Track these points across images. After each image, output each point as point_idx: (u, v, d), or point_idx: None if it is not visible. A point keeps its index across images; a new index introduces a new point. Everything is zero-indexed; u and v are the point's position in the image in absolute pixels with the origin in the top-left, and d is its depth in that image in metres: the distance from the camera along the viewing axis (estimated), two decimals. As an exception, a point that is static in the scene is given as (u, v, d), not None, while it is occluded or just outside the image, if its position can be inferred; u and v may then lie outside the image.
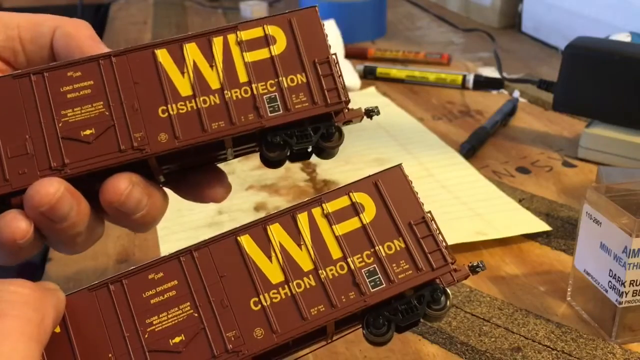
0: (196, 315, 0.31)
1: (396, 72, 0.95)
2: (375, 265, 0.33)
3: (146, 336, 0.30)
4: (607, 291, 0.45)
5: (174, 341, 0.30)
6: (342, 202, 0.34)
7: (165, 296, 0.31)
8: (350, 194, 0.34)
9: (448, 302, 0.33)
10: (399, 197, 0.34)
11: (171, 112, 0.33)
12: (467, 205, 0.62)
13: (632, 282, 0.43)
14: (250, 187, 0.66)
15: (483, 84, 0.90)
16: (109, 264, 0.56)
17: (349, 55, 1.03)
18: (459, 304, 0.49)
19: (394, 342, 0.33)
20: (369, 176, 0.34)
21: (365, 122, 0.37)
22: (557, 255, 0.55)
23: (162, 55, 0.34)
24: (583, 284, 0.48)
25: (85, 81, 0.33)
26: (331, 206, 0.34)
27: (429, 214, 0.34)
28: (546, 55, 1.04)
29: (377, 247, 0.33)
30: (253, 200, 0.64)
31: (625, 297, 0.44)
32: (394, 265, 0.33)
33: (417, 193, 0.34)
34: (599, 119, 0.71)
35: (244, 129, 0.34)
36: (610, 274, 0.44)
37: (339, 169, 0.69)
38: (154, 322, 0.30)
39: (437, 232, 0.34)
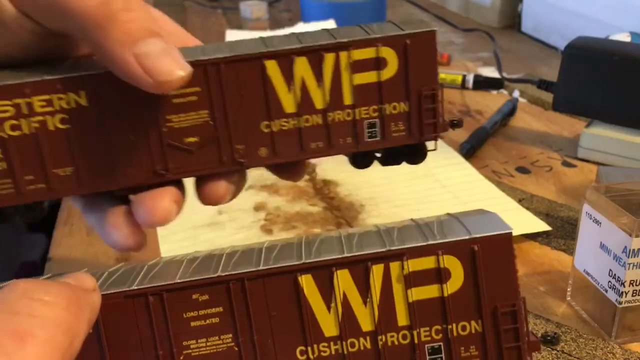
0: (236, 349, 0.29)
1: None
2: (442, 343, 0.29)
3: (181, 358, 0.28)
4: (607, 291, 0.45)
5: None
6: (427, 262, 0.29)
7: (207, 322, 0.29)
8: (439, 256, 0.29)
9: None
10: (495, 271, 0.29)
11: (273, 129, 0.33)
12: (467, 205, 0.62)
13: (631, 282, 0.43)
14: (250, 187, 0.66)
15: (483, 84, 0.90)
16: (109, 263, 0.56)
17: (349, 55, 1.03)
18: (459, 304, 0.49)
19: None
20: (467, 239, 0.29)
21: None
22: (557, 255, 0.55)
23: (271, 67, 0.32)
24: (583, 283, 0.48)
25: (192, 87, 0.32)
26: (412, 265, 0.29)
27: (522, 301, 0.29)
28: (546, 55, 1.04)
29: (450, 326, 0.29)
30: (253, 200, 0.64)
31: (625, 297, 0.44)
32: (463, 348, 0.29)
33: (517, 271, 0.29)
34: (598, 119, 0.71)
35: (340, 152, 0.34)
36: (610, 274, 0.44)
37: (339, 168, 0.68)
38: (191, 346, 0.28)
39: (524, 323, 0.29)
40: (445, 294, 0.29)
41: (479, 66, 1.00)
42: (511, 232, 0.29)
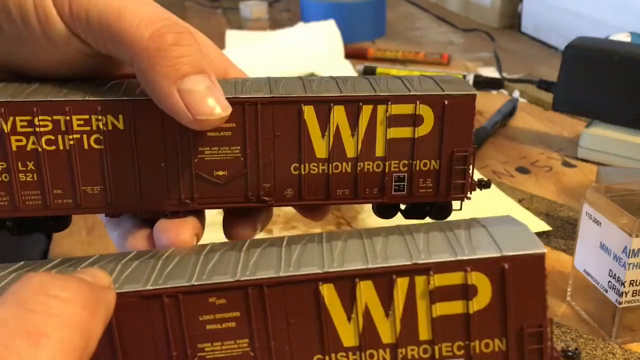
0: (252, 354, 0.28)
1: (396, 72, 0.95)
2: (463, 359, 0.29)
3: None
4: (607, 291, 0.45)
5: None
6: (453, 278, 0.28)
7: (224, 326, 0.28)
8: (467, 272, 0.28)
9: None
10: (524, 291, 0.28)
11: (302, 172, 0.33)
12: (467, 205, 0.62)
13: (631, 282, 0.43)
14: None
15: (483, 84, 0.90)
16: (109, 263, 0.56)
17: (349, 55, 1.03)
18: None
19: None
20: (498, 257, 0.28)
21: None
22: (557, 255, 0.55)
23: (308, 112, 0.32)
24: (583, 284, 0.48)
25: (228, 123, 0.32)
26: (439, 280, 0.28)
27: (549, 321, 0.29)
28: (546, 55, 1.04)
29: (473, 343, 0.28)
30: (253, 200, 0.64)
31: (625, 297, 0.44)
32: None
33: (547, 292, 0.28)
34: (598, 119, 0.71)
35: (365, 201, 0.34)
36: (610, 274, 0.44)
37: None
38: (206, 349, 0.28)
39: (549, 344, 0.29)
40: (471, 311, 0.28)
41: (479, 66, 1.00)
42: (544, 253, 0.28)
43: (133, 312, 0.28)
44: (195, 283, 0.28)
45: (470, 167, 0.34)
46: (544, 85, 0.76)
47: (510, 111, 0.80)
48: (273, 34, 1.08)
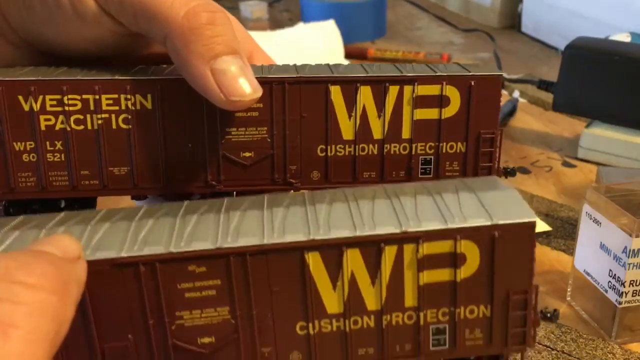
0: (233, 322, 0.27)
1: (396, 72, 0.95)
2: (447, 325, 0.28)
3: (173, 328, 0.27)
4: (606, 291, 0.45)
5: (202, 341, 0.27)
6: (442, 246, 0.27)
7: (203, 294, 0.27)
8: (457, 240, 0.27)
9: None
10: (511, 258, 0.28)
11: (329, 153, 0.33)
12: (467, 205, 0.62)
13: (631, 282, 0.43)
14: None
15: (483, 84, 0.90)
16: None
17: (349, 56, 1.03)
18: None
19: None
20: (489, 225, 0.27)
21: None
22: (556, 255, 0.55)
23: (335, 92, 0.32)
24: (583, 284, 0.48)
25: (256, 103, 0.31)
26: (428, 248, 0.27)
27: (534, 287, 0.28)
28: (546, 55, 1.04)
29: (458, 309, 0.28)
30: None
31: (625, 297, 0.44)
32: (468, 330, 0.28)
33: (534, 260, 0.28)
34: (599, 119, 0.71)
35: (391, 181, 0.34)
36: (610, 274, 0.44)
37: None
38: (185, 317, 0.27)
39: (532, 308, 0.28)
40: (458, 279, 0.28)
41: (479, 66, 1.00)
42: (534, 221, 0.27)
43: (106, 280, 0.26)
44: (174, 250, 0.26)
45: (498, 149, 0.34)
46: (544, 85, 0.76)
47: (510, 111, 0.80)
48: (273, 34, 1.08)
